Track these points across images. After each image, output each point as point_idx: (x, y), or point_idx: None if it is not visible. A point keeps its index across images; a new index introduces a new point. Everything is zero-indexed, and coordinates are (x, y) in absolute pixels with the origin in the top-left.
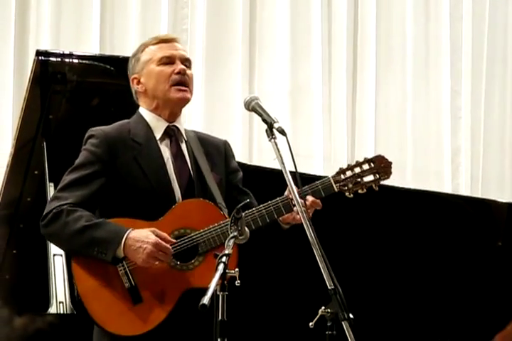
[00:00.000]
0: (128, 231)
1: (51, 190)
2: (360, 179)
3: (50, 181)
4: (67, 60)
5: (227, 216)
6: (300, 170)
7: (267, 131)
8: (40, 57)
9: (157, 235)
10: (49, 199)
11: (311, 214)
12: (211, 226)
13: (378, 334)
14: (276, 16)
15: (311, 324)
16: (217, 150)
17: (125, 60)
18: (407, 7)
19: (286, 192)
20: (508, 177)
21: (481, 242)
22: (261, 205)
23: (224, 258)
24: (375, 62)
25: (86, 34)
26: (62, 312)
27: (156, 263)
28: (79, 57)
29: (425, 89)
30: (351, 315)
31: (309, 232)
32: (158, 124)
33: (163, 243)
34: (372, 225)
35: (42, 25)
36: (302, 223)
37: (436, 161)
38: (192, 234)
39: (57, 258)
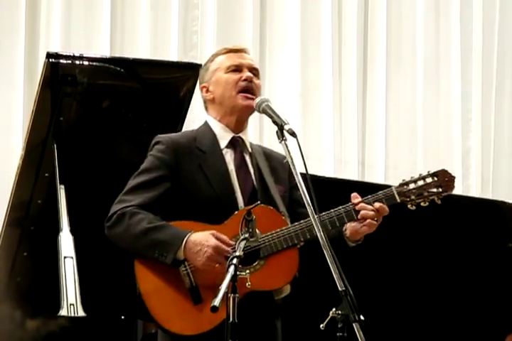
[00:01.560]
0: (188, 234)
1: (62, 192)
2: (423, 191)
3: (60, 183)
4: (77, 62)
5: (289, 223)
6: (310, 171)
7: (277, 132)
8: (50, 60)
9: (217, 238)
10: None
11: (379, 221)
12: (273, 232)
13: (391, 336)
14: (287, 17)
15: (321, 325)
16: (281, 166)
17: (135, 62)
18: (418, 9)
19: (351, 199)
20: None
21: (491, 244)
22: (323, 213)
23: (235, 260)
24: (385, 63)
25: (96, 36)
26: (73, 314)
27: (216, 266)
28: (89, 59)
29: (436, 91)
30: (362, 317)
31: (320, 234)
32: (224, 134)
33: (223, 246)
34: (383, 227)
35: (52, 28)
36: (365, 233)
37: (447, 163)
38: (253, 238)
39: (67, 260)
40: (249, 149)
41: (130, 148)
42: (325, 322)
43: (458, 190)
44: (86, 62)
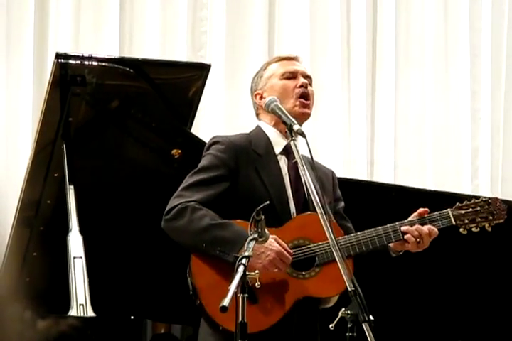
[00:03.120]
0: None
1: (71, 193)
2: (476, 217)
3: (70, 184)
4: (86, 62)
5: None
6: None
7: (286, 132)
8: (59, 60)
9: (279, 243)
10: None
11: (427, 244)
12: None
13: (396, 334)
14: (295, 17)
15: (331, 325)
16: (326, 177)
17: (144, 62)
18: (426, 8)
19: (413, 215)
20: None
21: (501, 243)
22: (371, 229)
23: (244, 260)
24: (394, 63)
25: (105, 36)
26: (82, 314)
27: (275, 270)
28: (98, 59)
29: (444, 91)
30: (371, 317)
31: (329, 234)
32: (278, 140)
33: (286, 252)
34: None
35: (61, 28)
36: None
37: (456, 162)
38: (310, 245)
39: (77, 260)
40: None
41: (139, 148)
42: (334, 322)
43: (467, 189)
44: (95, 63)
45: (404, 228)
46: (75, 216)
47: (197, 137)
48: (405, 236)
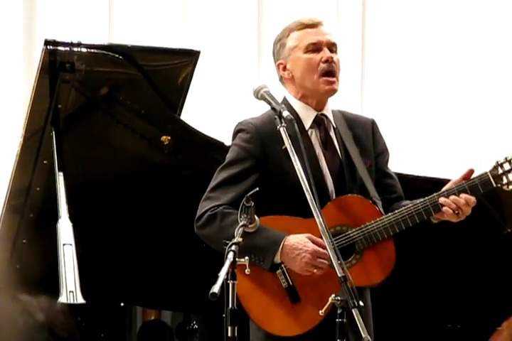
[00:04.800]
0: (285, 239)
1: (60, 180)
2: None
3: (59, 170)
4: (75, 49)
5: (382, 211)
6: None
7: (275, 119)
8: (48, 47)
9: (313, 241)
10: (202, 199)
11: (467, 213)
12: (367, 224)
13: (388, 320)
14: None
15: (321, 312)
16: (364, 131)
17: (133, 49)
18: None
19: (460, 177)
20: None
21: (489, 228)
22: (409, 205)
23: (233, 247)
24: (383, 58)
25: (95, 23)
26: (72, 301)
27: (315, 271)
28: (87, 46)
29: None
30: (361, 303)
31: (319, 220)
32: (307, 113)
33: (321, 250)
34: None
35: (50, 15)
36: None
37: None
38: (349, 232)
39: (66, 247)
40: (334, 124)
41: (128, 134)
42: (324, 308)
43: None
44: (84, 49)
45: (441, 200)
46: (65, 203)
47: (187, 124)
48: (443, 209)
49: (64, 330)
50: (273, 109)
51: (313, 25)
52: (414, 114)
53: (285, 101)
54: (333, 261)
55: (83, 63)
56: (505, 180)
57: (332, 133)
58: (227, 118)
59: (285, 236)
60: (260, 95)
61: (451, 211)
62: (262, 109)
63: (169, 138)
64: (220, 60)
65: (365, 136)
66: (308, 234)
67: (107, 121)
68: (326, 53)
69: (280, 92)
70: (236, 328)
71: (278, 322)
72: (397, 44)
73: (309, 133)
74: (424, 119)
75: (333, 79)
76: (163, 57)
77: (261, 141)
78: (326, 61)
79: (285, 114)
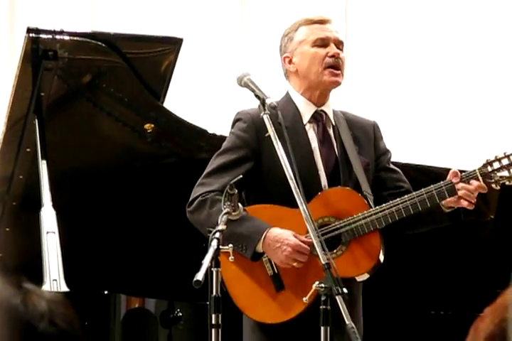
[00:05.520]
0: (267, 230)
1: (43, 168)
2: (508, 171)
3: (42, 158)
4: (58, 36)
5: (372, 205)
6: None
7: (259, 106)
8: (31, 35)
9: (296, 237)
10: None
11: (474, 200)
12: (355, 216)
13: (372, 307)
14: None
15: (305, 299)
16: (365, 134)
17: (116, 37)
18: None
19: (448, 177)
20: None
21: (472, 215)
22: (422, 190)
23: (217, 234)
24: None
25: (77, 10)
26: (55, 289)
27: (294, 264)
28: (70, 33)
29: None
30: (345, 290)
31: (303, 208)
32: (307, 108)
33: (303, 244)
34: None
35: (33, 2)
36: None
37: None
38: (336, 223)
39: (50, 235)
40: (333, 122)
41: (112, 122)
42: (308, 295)
43: None
44: (67, 37)
45: (458, 185)
46: (48, 191)
47: (170, 111)
48: (461, 193)
49: (64, 321)
50: (256, 96)
51: (322, 21)
52: (403, 106)
53: (287, 96)
54: (316, 248)
55: (66, 51)
56: (493, 179)
57: (330, 130)
58: (211, 105)
59: (268, 227)
60: (244, 82)
61: (471, 195)
62: (245, 96)
63: (152, 125)
64: (203, 48)
65: (366, 137)
66: (293, 232)
67: (90, 109)
68: (332, 49)
69: (266, 81)
70: (220, 316)
71: (261, 309)
72: (381, 39)
73: (307, 127)
74: (416, 112)
75: (338, 71)
76: (146, 45)
77: (256, 131)
78: (332, 56)
79: (268, 101)
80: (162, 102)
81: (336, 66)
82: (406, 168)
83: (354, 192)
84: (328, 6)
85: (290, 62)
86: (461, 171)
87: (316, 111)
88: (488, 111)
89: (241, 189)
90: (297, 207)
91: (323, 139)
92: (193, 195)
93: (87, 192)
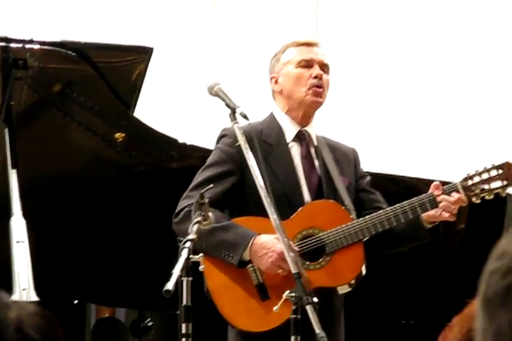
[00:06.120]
0: (255, 237)
1: (13, 177)
2: (488, 185)
3: (12, 168)
4: (28, 46)
5: (355, 218)
6: None
7: (230, 115)
8: (0, 44)
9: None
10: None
11: (455, 211)
12: (339, 227)
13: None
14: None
15: (275, 308)
16: (346, 158)
17: (87, 46)
18: None
19: (430, 189)
20: None
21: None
22: (404, 202)
23: (188, 244)
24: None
25: (48, 19)
26: (25, 299)
27: (279, 271)
28: (40, 43)
29: None
30: (315, 299)
31: (273, 217)
32: (290, 127)
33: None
34: None
35: (2, 11)
36: (441, 220)
37: None
38: (320, 234)
39: (20, 245)
40: (315, 142)
41: (82, 131)
42: (278, 305)
43: None
44: (37, 46)
45: (439, 198)
46: (18, 200)
47: (140, 121)
48: (442, 205)
49: (34, 331)
50: (227, 105)
51: (309, 44)
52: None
53: (271, 116)
54: (287, 258)
55: (36, 60)
56: (474, 192)
57: (312, 150)
58: (181, 115)
59: (256, 235)
60: (214, 92)
61: (452, 206)
62: (216, 106)
63: (123, 135)
64: (173, 57)
65: (346, 160)
66: (278, 236)
67: (61, 118)
68: (316, 70)
69: (237, 91)
70: (190, 325)
71: (245, 318)
72: (354, 43)
73: (290, 145)
74: (390, 123)
75: (319, 90)
76: (116, 54)
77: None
78: (316, 77)
79: (239, 110)
80: (133, 111)
81: (319, 86)
82: (378, 178)
83: (338, 204)
84: (299, 15)
85: (276, 82)
86: (443, 183)
87: (299, 131)
88: (462, 122)
89: (227, 202)
90: (282, 219)
91: (306, 158)
92: (179, 207)
93: (57, 202)
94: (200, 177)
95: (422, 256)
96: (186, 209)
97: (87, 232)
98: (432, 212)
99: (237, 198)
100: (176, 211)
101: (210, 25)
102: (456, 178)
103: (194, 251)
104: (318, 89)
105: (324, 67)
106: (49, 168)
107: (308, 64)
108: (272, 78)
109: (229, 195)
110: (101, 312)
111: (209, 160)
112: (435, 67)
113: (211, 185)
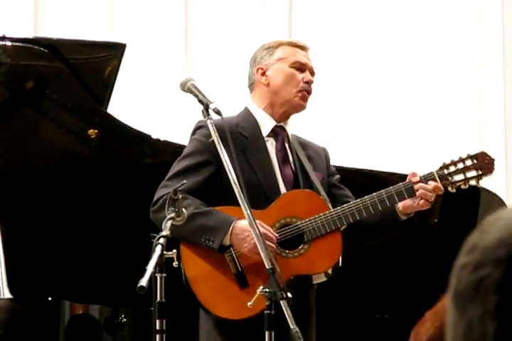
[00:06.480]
0: (236, 221)
1: None
2: (463, 174)
3: None
4: (0, 42)
5: (331, 207)
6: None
7: (203, 111)
8: None
9: (262, 226)
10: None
11: (432, 199)
12: (317, 216)
13: (318, 312)
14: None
15: (249, 304)
16: (317, 155)
17: (59, 42)
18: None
19: (408, 178)
20: None
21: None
22: (382, 190)
23: (161, 240)
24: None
25: (20, 16)
26: None
27: None
28: (12, 39)
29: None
30: (289, 294)
31: (247, 212)
32: (266, 122)
33: (269, 234)
34: None
35: None
36: (418, 209)
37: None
38: (298, 223)
39: None
40: (290, 139)
41: (55, 128)
42: (252, 301)
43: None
44: (9, 43)
45: (416, 185)
46: None
47: (113, 117)
48: (419, 192)
49: (3, 328)
50: (200, 101)
51: (303, 48)
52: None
53: (246, 110)
54: (261, 253)
55: (8, 56)
56: (449, 181)
57: (287, 145)
58: (154, 111)
59: (236, 219)
60: (187, 88)
61: (429, 194)
62: (188, 102)
63: (96, 131)
64: (146, 53)
65: (319, 158)
66: (259, 221)
67: (33, 115)
68: (308, 75)
69: (210, 86)
70: (164, 321)
71: (223, 305)
72: (326, 43)
73: (266, 140)
74: (359, 118)
75: (309, 96)
76: (89, 51)
77: (220, 137)
78: (307, 82)
79: (212, 106)
80: (106, 108)
81: (308, 92)
82: (351, 172)
83: (315, 194)
84: (272, 12)
85: (263, 74)
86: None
87: (275, 126)
88: (435, 117)
89: (204, 192)
90: (257, 209)
91: (281, 152)
92: (156, 196)
93: (30, 198)
94: (177, 166)
95: (395, 250)
96: (165, 196)
97: (60, 229)
98: (408, 202)
99: (214, 188)
100: (154, 200)
101: (183, 20)
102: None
103: (168, 246)
104: (307, 94)
105: (313, 74)
106: (21, 165)
107: (301, 67)
108: (258, 69)
109: (206, 185)
110: (75, 309)
111: (186, 150)
112: (404, 63)
113: (184, 181)
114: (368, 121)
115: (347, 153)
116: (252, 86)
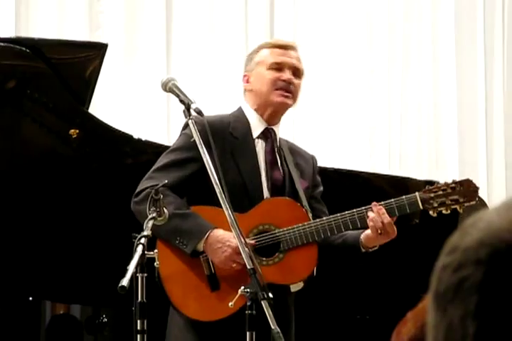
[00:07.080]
0: (212, 230)
1: None
2: (446, 200)
3: None
4: None
5: (311, 218)
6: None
7: (184, 111)
8: None
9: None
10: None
11: (392, 234)
12: (295, 226)
13: (299, 312)
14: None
15: (230, 304)
16: (306, 163)
17: (41, 42)
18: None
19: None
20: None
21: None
22: (338, 215)
23: (142, 240)
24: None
25: (1, 16)
26: None
27: (234, 266)
28: None
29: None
30: (270, 294)
31: (228, 213)
32: (257, 124)
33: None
34: None
35: None
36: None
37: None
38: (276, 231)
39: None
40: (278, 143)
41: (36, 128)
42: (234, 301)
43: (365, 166)
44: None
45: (370, 214)
46: None
47: (95, 117)
48: (369, 224)
49: None
50: (181, 101)
51: (282, 47)
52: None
53: (240, 110)
54: (242, 254)
55: None
56: (431, 206)
57: (276, 149)
58: (136, 111)
59: (213, 227)
60: (168, 88)
61: (376, 227)
62: (170, 101)
63: (77, 131)
64: (128, 53)
65: (306, 165)
66: (232, 233)
67: (15, 115)
68: (286, 74)
69: (192, 87)
70: (145, 321)
71: (193, 306)
72: (309, 42)
73: (255, 142)
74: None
75: (287, 94)
76: (70, 50)
77: (207, 135)
78: (284, 81)
79: (193, 106)
80: (87, 108)
81: (286, 90)
82: (334, 173)
83: (296, 203)
84: (255, 10)
85: (247, 81)
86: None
87: (266, 128)
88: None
89: (186, 188)
90: (238, 211)
91: (270, 156)
92: (140, 188)
93: (11, 198)
94: (164, 159)
95: (376, 251)
96: (149, 189)
97: (41, 228)
98: (371, 235)
99: (200, 186)
100: (137, 191)
101: (164, 19)
102: (412, 174)
103: (150, 245)
104: (286, 93)
105: (296, 71)
106: (3, 165)
107: (278, 67)
108: (244, 76)
109: (190, 181)
110: (56, 308)
111: (175, 144)
112: (390, 64)
113: (165, 181)
114: (354, 120)
115: (330, 154)
116: (244, 92)
